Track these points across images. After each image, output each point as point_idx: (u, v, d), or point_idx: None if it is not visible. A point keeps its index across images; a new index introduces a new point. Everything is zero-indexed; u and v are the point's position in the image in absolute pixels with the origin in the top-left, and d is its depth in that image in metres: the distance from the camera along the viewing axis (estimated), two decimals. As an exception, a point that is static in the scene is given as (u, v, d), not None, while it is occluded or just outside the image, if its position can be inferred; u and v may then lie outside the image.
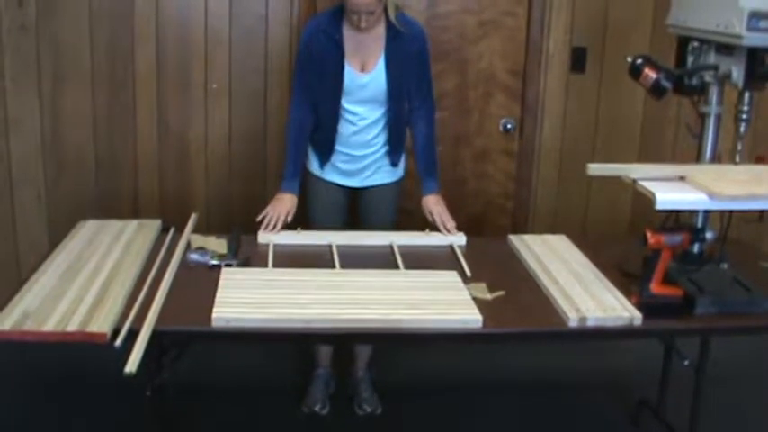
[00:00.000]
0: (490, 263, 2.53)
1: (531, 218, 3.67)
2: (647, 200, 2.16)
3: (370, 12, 2.54)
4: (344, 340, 2.21)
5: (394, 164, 2.84)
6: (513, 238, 2.74)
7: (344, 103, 2.68)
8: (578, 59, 3.50)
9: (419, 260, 2.50)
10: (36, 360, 3.15)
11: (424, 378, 3.24)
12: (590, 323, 2.11)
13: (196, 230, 2.67)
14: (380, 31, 2.65)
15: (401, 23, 2.64)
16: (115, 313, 2.02)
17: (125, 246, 2.51)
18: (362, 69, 2.65)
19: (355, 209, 2.89)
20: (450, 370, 3.27)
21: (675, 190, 2.19)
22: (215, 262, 2.38)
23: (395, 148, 2.80)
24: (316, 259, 2.48)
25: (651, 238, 2.18)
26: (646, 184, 2.22)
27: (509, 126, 3.57)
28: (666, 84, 2.33)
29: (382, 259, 2.52)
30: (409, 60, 2.67)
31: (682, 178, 2.28)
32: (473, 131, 3.58)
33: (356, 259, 2.48)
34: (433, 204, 2.73)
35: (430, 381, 3.22)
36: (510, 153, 3.63)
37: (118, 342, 1.91)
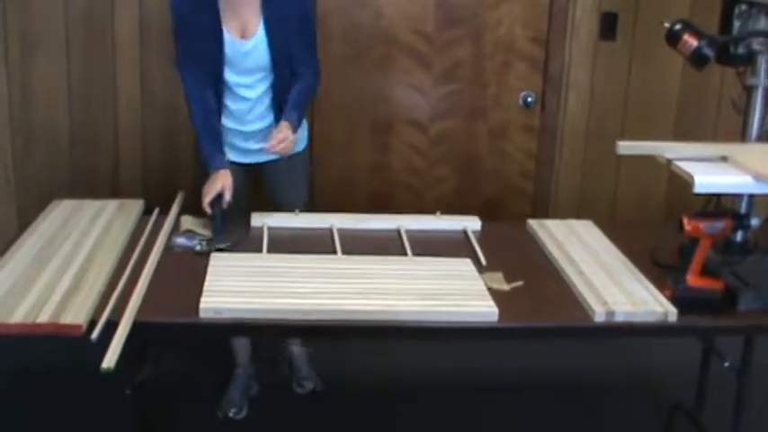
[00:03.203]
0: (508, 250, 2.53)
1: (553, 201, 3.67)
2: (683, 182, 2.16)
3: None
4: (347, 334, 2.21)
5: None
6: (533, 223, 2.73)
7: (228, 75, 2.67)
8: (608, 26, 3.49)
9: (429, 246, 2.50)
10: (2, 356, 3.15)
11: (429, 377, 3.24)
12: (618, 318, 2.11)
13: (184, 211, 2.67)
14: None
15: None
16: (91, 303, 2.02)
17: (103, 228, 2.51)
18: (243, 35, 2.64)
19: (261, 192, 2.88)
20: (460, 368, 3.27)
21: (716, 171, 2.18)
22: (203, 247, 2.38)
23: None
24: (315, 244, 2.48)
25: (688, 224, 2.17)
26: (683, 164, 2.21)
27: (530, 100, 3.56)
28: (708, 52, 2.32)
29: (388, 245, 2.52)
30: (290, 21, 2.65)
31: (724, 158, 2.27)
32: (490, 105, 3.57)
33: (360, 244, 2.48)
34: (285, 127, 2.62)
35: (436, 380, 3.23)
36: (530, 129, 3.62)
37: (94, 335, 1.91)
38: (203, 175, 2.65)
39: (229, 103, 2.73)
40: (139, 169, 3.47)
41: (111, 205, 2.69)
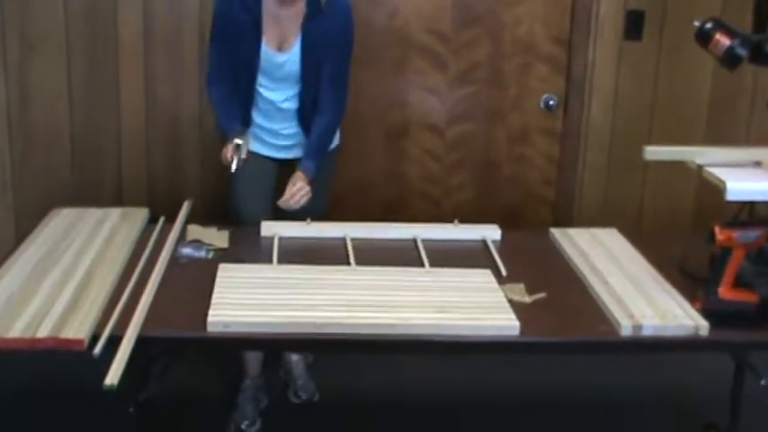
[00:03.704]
0: (529, 260, 2.54)
1: (576, 209, 3.67)
2: (715, 189, 2.15)
3: None
4: (361, 348, 2.22)
5: None
6: (555, 231, 2.74)
7: (260, 81, 2.84)
8: (634, 25, 3.48)
9: (447, 256, 2.51)
10: (0, 372, 3.17)
11: (442, 393, 3.22)
12: (646, 332, 2.11)
13: (191, 220, 2.69)
14: (301, 6, 2.74)
15: None
16: (93, 317, 2.03)
17: (106, 238, 2.52)
18: (280, 48, 2.77)
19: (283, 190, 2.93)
20: (476, 384, 3.26)
21: (750, 177, 2.18)
22: (213, 255, 2.40)
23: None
24: (327, 254, 2.50)
25: (720, 234, 2.16)
26: (714, 170, 2.20)
27: (551, 102, 3.56)
28: (741, 52, 2.31)
29: (404, 255, 2.53)
30: (327, 43, 2.76)
31: (758, 163, 2.26)
32: (509, 108, 3.58)
33: (374, 255, 2.50)
34: (300, 179, 2.73)
35: (449, 397, 3.21)
36: (552, 133, 3.62)
37: (97, 350, 1.92)
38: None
39: (259, 101, 2.87)
40: (144, 176, 3.48)
41: (114, 214, 2.71)
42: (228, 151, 2.67)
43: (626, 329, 2.10)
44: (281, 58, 2.78)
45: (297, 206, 2.69)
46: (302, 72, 2.80)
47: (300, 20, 2.75)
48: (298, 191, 2.69)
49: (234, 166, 2.64)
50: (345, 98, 2.92)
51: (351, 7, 2.81)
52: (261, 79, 2.84)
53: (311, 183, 2.74)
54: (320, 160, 2.83)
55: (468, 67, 3.52)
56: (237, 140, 2.66)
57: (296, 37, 2.76)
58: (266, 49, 2.77)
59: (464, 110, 3.56)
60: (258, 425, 2.92)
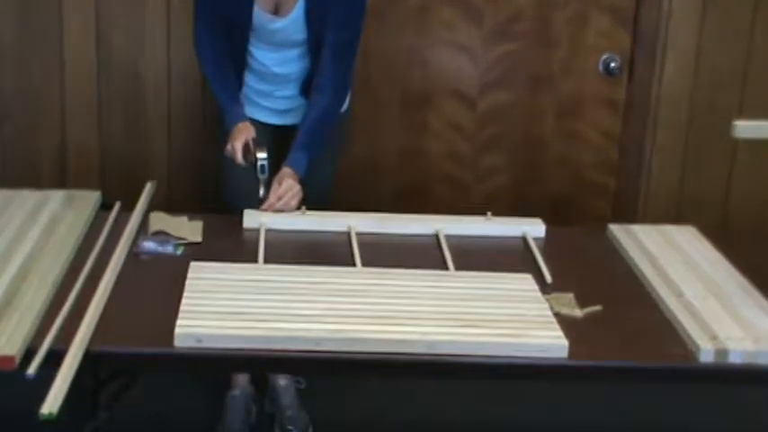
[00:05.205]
0: (581, 264, 2.54)
1: (642, 200, 3.67)
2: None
3: None
4: (366, 371, 2.21)
5: None
6: (614, 228, 2.74)
7: (252, 43, 2.92)
8: (722, -35, 3.49)
9: (477, 258, 2.51)
10: None
11: (464, 426, 3.23)
12: (733, 359, 2.09)
13: (154, 207, 2.70)
14: None
15: None
16: (28, 327, 2.02)
17: (46, 227, 2.53)
18: (275, 12, 2.84)
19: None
20: (509, 417, 3.28)
21: None
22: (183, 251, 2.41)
23: None
24: (327, 252, 2.50)
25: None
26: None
27: (613, 65, 3.56)
28: None
29: (423, 255, 2.53)
30: (332, 9, 2.81)
31: None
32: (558, 72, 3.58)
33: (386, 254, 2.50)
34: (288, 176, 2.78)
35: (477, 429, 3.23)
36: (613, 105, 3.62)
37: (32, 369, 1.91)
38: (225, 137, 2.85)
39: (251, 61, 2.96)
40: (95, 152, 3.49)
41: (57, 197, 2.71)
42: (237, 153, 2.74)
43: (706, 354, 2.09)
44: (276, 23, 2.83)
45: (287, 209, 2.71)
46: (307, 40, 2.86)
47: None
48: (285, 191, 2.71)
49: (261, 192, 2.70)
50: (350, 76, 2.95)
51: None
52: (253, 41, 2.91)
53: (302, 181, 2.76)
54: (314, 154, 2.84)
55: (507, 18, 3.52)
56: (261, 155, 2.70)
57: (294, 1, 2.81)
58: (259, 12, 2.82)
59: (501, 73, 3.57)
60: None
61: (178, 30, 3.40)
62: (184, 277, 2.27)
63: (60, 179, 3.45)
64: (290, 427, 3.07)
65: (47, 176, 3.46)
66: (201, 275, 2.29)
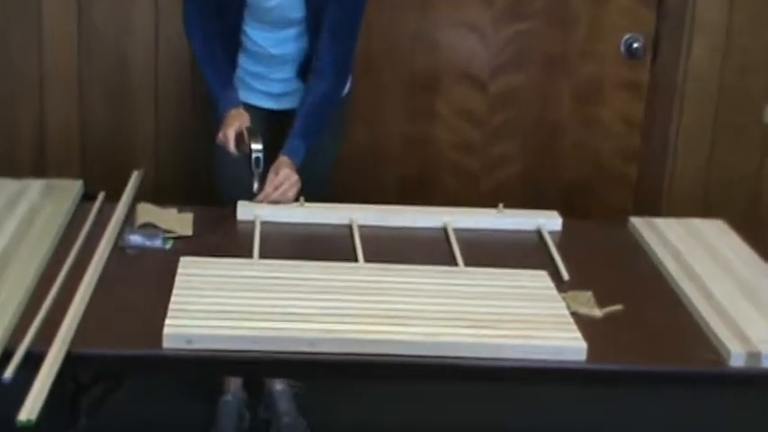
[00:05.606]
0: (600, 260, 2.54)
1: (666, 191, 3.67)
2: None
3: None
4: (368, 374, 2.21)
5: None
6: (636, 222, 2.74)
7: (246, 22, 2.93)
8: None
9: (488, 253, 2.52)
10: None
11: (468, 427, 3.24)
12: (767, 363, 2.09)
13: (141, 197, 2.69)
14: None
15: None
16: (4, 327, 2.02)
17: (24, 219, 2.52)
18: None
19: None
20: (523, 423, 3.28)
21: None
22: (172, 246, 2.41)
23: None
24: (327, 247, 2.50)
25: None
26: None
27: (636, 45, 3.56)
28: None
29: (430, 250, 2.54)
30: None
31: None
32: (576, 53, 3.58)
33: (390, 248, 2.50)
34: (285, 165, 2.78)
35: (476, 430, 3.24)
36: (636, 88, 3.62)
37: (8, 373, 1.90)
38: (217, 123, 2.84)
39: (245, 41, 2.97)
40: (76, 137, 3.50)
41: (35, 187, 2.71)
42: (230, 142, 2.72)
43: (737, 358, 2.08)
44: (271, 1, 2.82)
45: (284, 200, 2.71)
46: (305, 18, 2.87)
47: None
48: (282, 181, 2.71)
49: (256, 187, 2.69)
50: (351, 58, 2.95)
51: None
52: (248, 20, 2.92)
53: (300, 169, 2.76)
54: (312, 142, 2.85)
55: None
56: (256, 147, 2.67)
57: None
58: None
59: (514, 55, 3.57)
60: None
61: (168, 6, 3.40)
62: (174, 273, 2.26)
63: (38, 167, 3.46)
64: None
65: (23, 164, 3.47)
66: (192, 271, 2.28)
